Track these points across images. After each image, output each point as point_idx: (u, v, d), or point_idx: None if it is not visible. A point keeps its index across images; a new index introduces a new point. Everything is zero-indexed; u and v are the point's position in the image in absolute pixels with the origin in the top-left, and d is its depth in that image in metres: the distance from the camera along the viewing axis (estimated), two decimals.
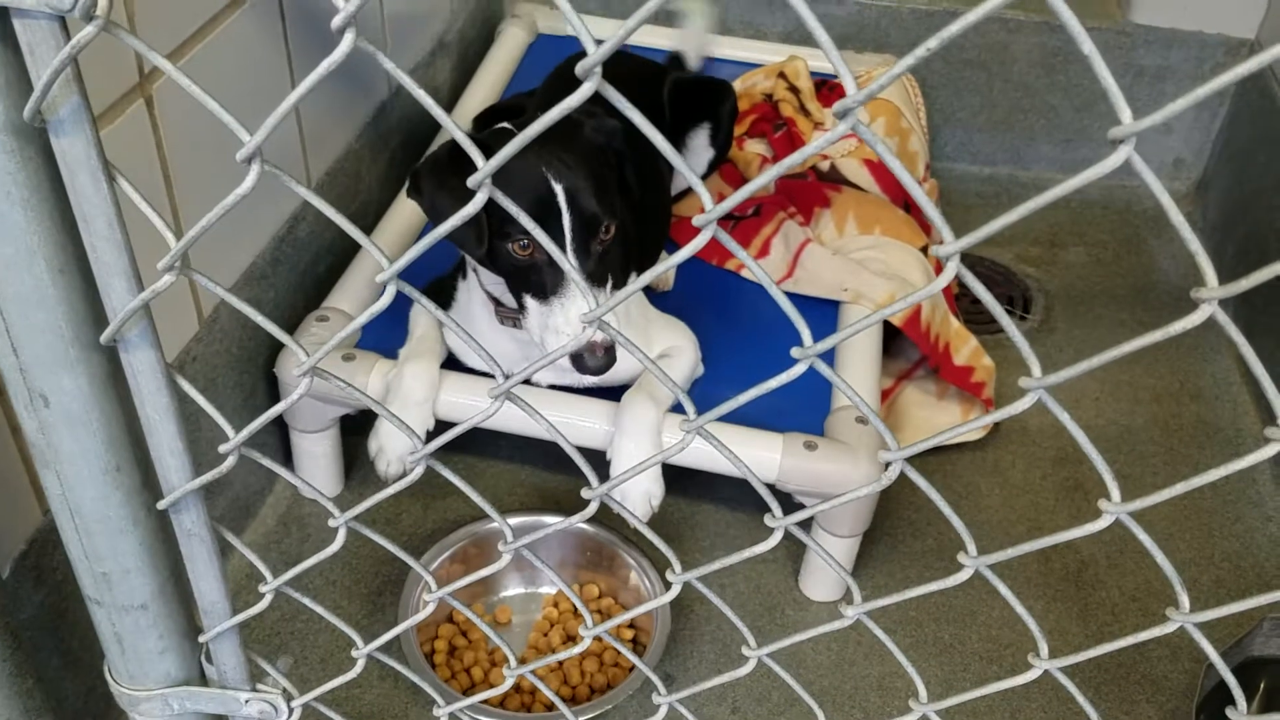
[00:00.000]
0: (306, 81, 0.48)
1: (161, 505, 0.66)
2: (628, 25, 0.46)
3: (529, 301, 1.15)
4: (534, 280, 1.14)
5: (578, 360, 1.10)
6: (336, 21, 0.47)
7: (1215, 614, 0.58)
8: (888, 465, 0.58)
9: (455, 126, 0.52)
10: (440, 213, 1.16)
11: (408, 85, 0.49)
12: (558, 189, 1.12)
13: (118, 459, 0.65)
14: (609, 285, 1.16)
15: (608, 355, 1.09)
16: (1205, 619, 0.58)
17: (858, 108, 0.44)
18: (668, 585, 0.69)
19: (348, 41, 0.47)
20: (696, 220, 0.50)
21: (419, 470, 0.65)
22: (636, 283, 0.55)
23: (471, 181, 0.52)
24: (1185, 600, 0.60)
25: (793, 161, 0.47)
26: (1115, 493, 0.55)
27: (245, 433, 0.61)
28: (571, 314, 1.11)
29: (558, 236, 1.11)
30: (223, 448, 0.62)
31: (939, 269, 1.76)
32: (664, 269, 0.52)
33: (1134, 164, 0.44)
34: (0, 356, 0.62)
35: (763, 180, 0.47)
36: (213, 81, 1.17)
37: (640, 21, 0.45)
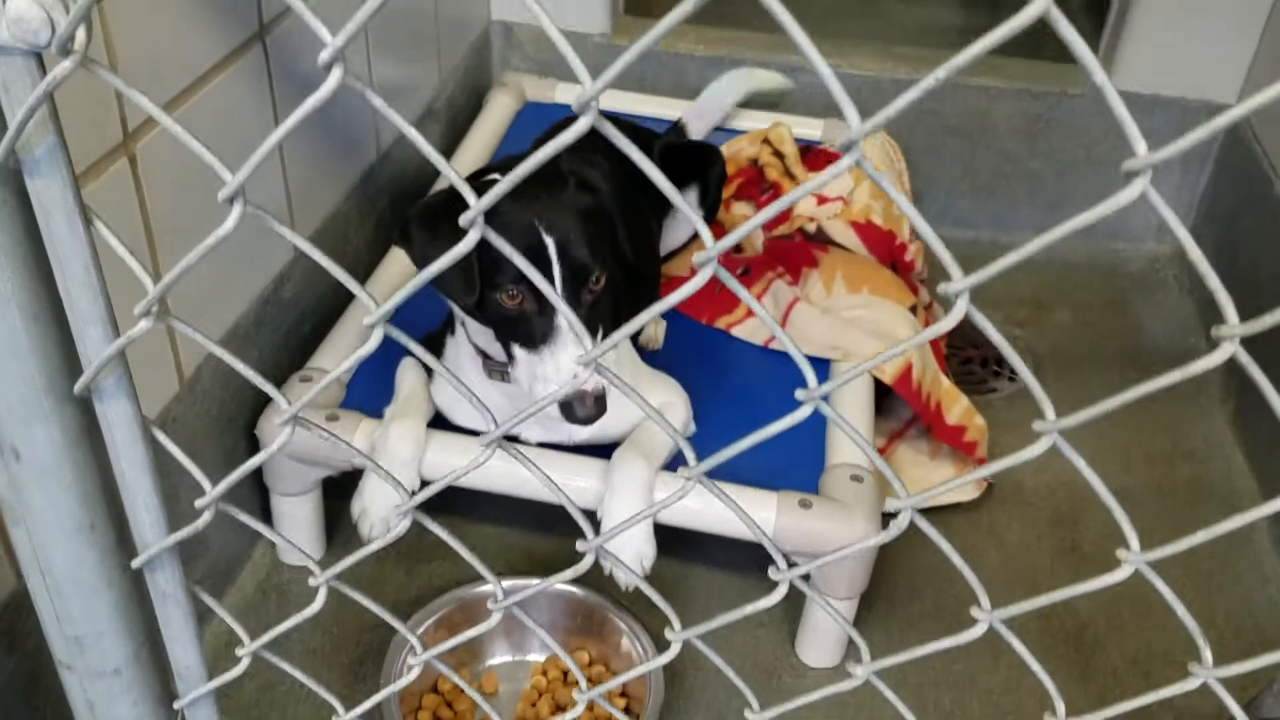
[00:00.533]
0: (292, 117, 0.47)
1: (135, 564, 0.64)
2: (624, 58, 0.45)
3: (518, 351, 1.14)
4: (523, 329, 1.13)
5: (567, 409, 1.08)
6: (323, 56, 0.46)
7: (1240, 669, 0.56)
8: (895, 514, 0.56)
9: (448, 166, 0.51)
10: (431, 261, 1.14)
11: (400, 125, 0.48)
12: (548, 240, 1.11)
13: (91, 516, 0.63)
14: (599, 336, 1.15)
15: (598, 404, 1.08)
16: (1229, 674, 0.56)
17: (862, 139, 0.43)
18: (660, 648, 0.66)
19: (335, 77, 0.46)
20: (697, 258, 0.48)
21: (405, 523, 0.63)
22: (631, 324, 0.53)
23: (464, 220, 0.50)
24: (1208, 655, 0.57)
25: (797, 196, 0.45)
26: (1134, 542, 0.53)
27: (223, 485, 0.58)
28: (561, 361, 1.10)
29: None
30: (199, 502, 0.60)
31: (928, 325, 1.76)
32: (663, 308, 0.50)
33: (1150, 197, 0.43)
34: None
35: (767, 215, 0.45)
36: (201, 136, 1.16)
37: (636, 54, 0.44)
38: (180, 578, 0.65)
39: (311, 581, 0.65)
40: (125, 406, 0.57)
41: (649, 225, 1.54)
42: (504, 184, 0.49)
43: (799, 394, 0.52)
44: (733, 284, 0.51)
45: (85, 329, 0.54)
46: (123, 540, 0.66)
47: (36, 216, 0.52)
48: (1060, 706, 0.62)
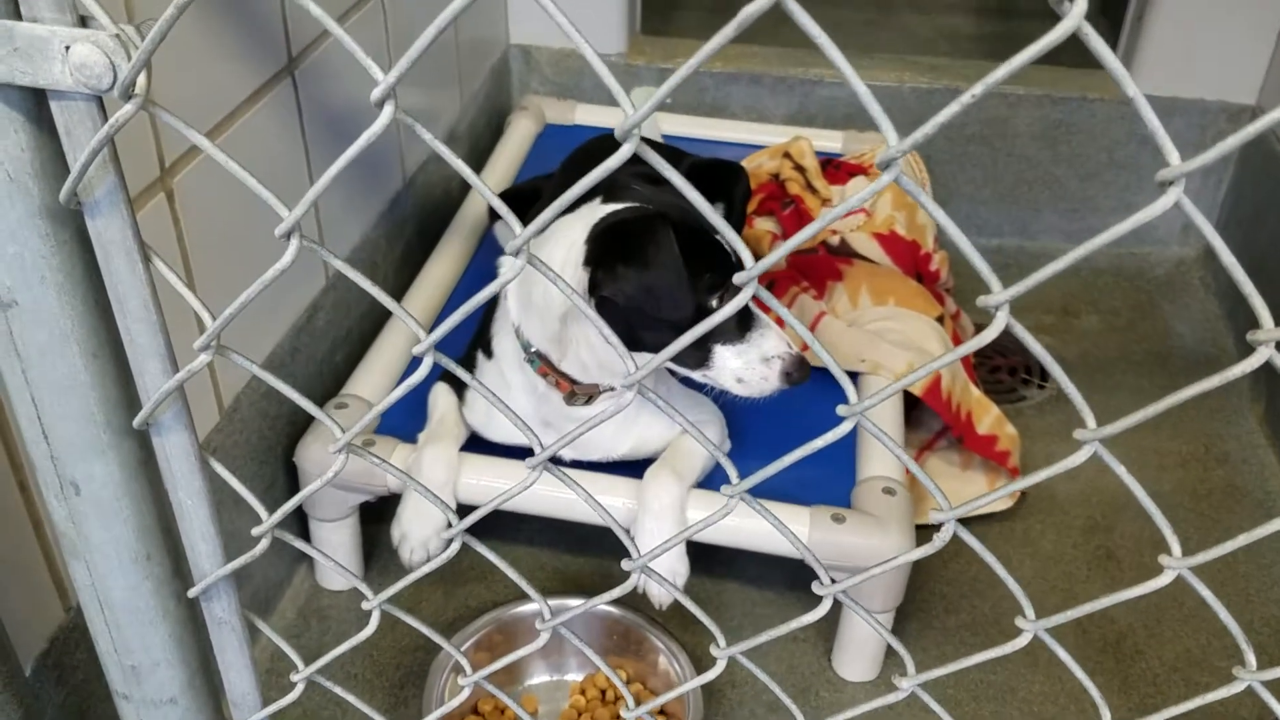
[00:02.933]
0: (345, 155, 0.49)
1: (193, 592, 0.65)
2: (661, 91, 0.46)
3: (721, 350, 1.19)
4: (727, 326, 1.19)
5: (788, 376, 1.20)
6: (376, 94, 0.47)
7: None
8: (937, 527, 0.56)
9: (511, 214, 0.52)
10: (660, 286, 1.14)
11: (459, 166, 0.49)
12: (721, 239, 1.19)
13: (148, 547, 0.64)
14: None
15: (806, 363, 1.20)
16: (1273, 677, 0.56)
17: (900, 157, 0.44)
18: (697, 666, 0.67)
19: (387, 113, 0.47)
20: (738, 278, 0.50)
21: (455, 547, 0.64)
22: (691, 333, 0.54)
23: (510, 248, 0.51)
24: (1252, 658, 0.58)
25: (838, 213, 0.46)
26: (1176, 548, 0.54)
27: (279, 514, 0.60)
28: (771, 337, 1.19)
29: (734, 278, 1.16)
30: (256, 530, 0.61)
31: (957, 339, 1.76)
32: (709, 325, 0.51)
33: (1183, 205, 0.44)
34: (31, 444, 0.61)
35: (808, 232, 0.46)
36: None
37: (676, 83, 0.46)
38: (236, 605, 0.66)
39: (365, 605, 0.66)
40: (184, 438, 0.58)
41: None
42: (546, 214, 0.50)
43: (841, 410, 0.52)
44: (773, 302, 0.52)
45: (145, 363, 0.56)
46: (178, 569, 0.67)
47: (97, 256, 0.54)
48: (1106, 714, 0.62)
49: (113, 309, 0.56)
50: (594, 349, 1.22)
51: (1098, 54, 0.41)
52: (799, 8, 0.42)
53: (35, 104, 0.52)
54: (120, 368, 0.59)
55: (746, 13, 0.42)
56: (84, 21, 0.49)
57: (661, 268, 1.12)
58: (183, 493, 0.61)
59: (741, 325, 1.19)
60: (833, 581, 0.62)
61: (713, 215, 0.49)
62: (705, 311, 1.16)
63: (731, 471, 0.59)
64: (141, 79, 0.47)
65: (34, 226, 0.54)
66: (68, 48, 0.48)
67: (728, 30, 0.43)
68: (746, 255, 0.50)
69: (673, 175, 0.49)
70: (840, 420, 0.53)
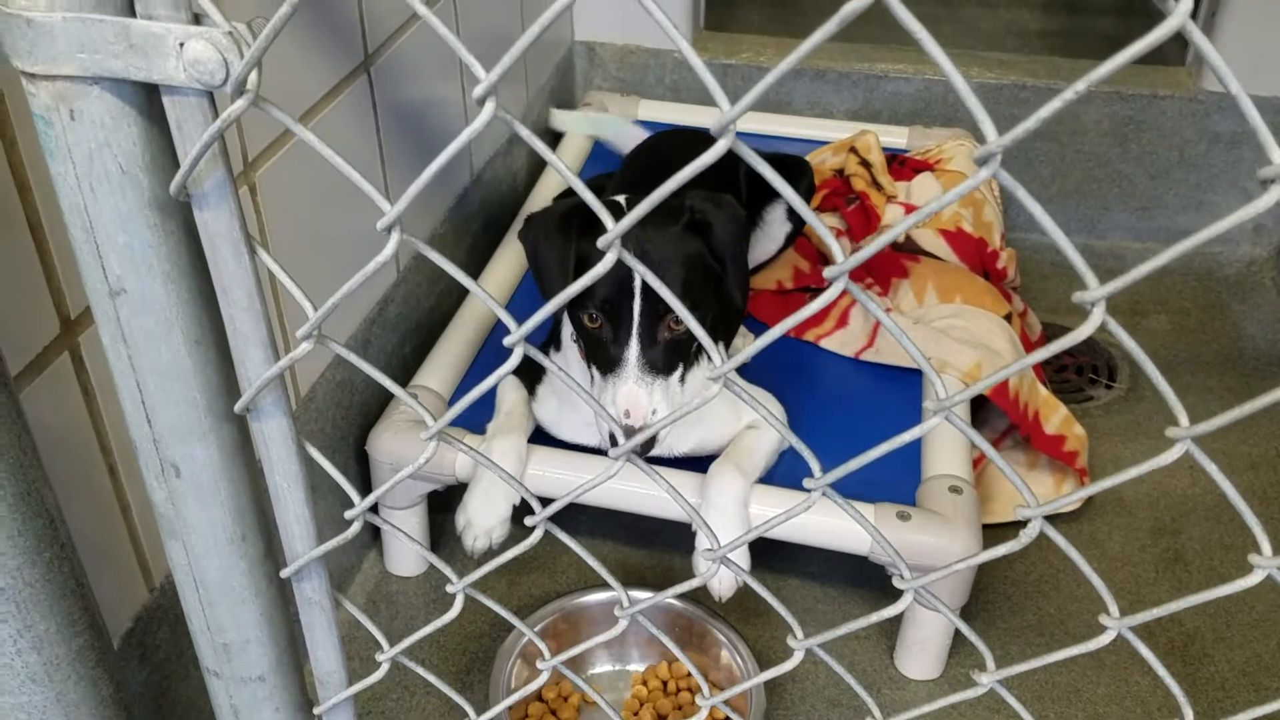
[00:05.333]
0: (447, 150, 0.50)
1: (285, 573, 0.67)
2: (757, 89, 0.47)
3: (593, 373, 1.20)
4: (599, 355, 1.17)
5: (613, 439, 1.16)
6: (478, 91, 0.48)
7: None
8: (1025, 524, 0.57)
9: (587, 190, 0.53)
10: (538, 258, 1.19)
11: (544, 152, 0.50)
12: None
13: (243, 528, 0.66)
14: (677, 373, 1.18)
15: (642, 448, 1.13)
16: None
17: (1000, 152, 0.44)
18: (758, 660, 0.67)
19: (488, 110, 0.49)
20: (828, 272, 0.50)
21: (537, 535, 0.65)
22: (746, 351, 0.55)
23: (601, 242, 0.52)
24: None
25: (929, 210, 0.47)
26: (1266, 546, 0.53)
27: (372, 497, 0.61)
28: (620, 394, 1.14)
29: (626, 319, 1.14)
30: (349, 513, 0.63)
31: (1025, 337, 1.74)
32: (785, 328, 0.52)
33: None
34: (134, 428, 0.63)
35: (897, 231, 0.47)
36: (313, 165, 1.21)
37: (773, 80, 0.46)
38: (326, 586, 0.68)
39: (450, 589, 0.68)
40: (282, 424, 0.60)
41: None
42: (637, 210, 0.51)
43: (929, 405, 0.53)
44: (862, 297, 0.52)
45: (247, 350, 0.58)
46: (270, 550, 0.69)
47: (203, 246, 0.56)
48: (1189, 713, 0.62)
49: (217, 298, 0.58)
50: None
51: (1202, 51, 0.41)
52: (902, 7, 0.42)
53: (146, 99, 0.54)
54: (221, 355, 0.61)
55: (848, 9, 0.42)
56: (197, 19, 0.50)
57: (549, 247, 1.16)
58: (279, 476, 0.63)
59: (613, 363, 1.15)
60: (886, 579, 0.62)
61: (805, 210, 0.49)
62: (580, 324, 1.18)
63: (814, 465, 0.60)
64: (253, 76, 0.49)
65: (143, 217, 0.56)
66: (182, 44, 0.50)
67: (829, 25, 0.43)
68: (837, 251, 0.51)
69: (765, 170, 0.50)
70: (917, 416, 0.53)
